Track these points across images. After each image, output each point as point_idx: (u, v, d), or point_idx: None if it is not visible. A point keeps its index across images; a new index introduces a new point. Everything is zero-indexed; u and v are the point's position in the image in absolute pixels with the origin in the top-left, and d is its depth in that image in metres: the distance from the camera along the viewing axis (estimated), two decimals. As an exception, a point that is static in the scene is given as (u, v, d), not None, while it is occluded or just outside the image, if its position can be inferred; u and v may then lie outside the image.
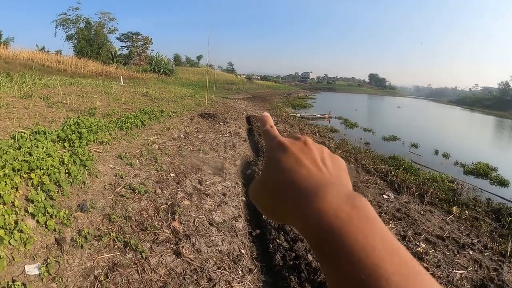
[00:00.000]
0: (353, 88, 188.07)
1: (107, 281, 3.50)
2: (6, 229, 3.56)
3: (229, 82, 71.10)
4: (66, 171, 5.14)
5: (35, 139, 5.82)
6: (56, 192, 4.60)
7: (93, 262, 3.76)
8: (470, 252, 5.67)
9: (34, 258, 3.52)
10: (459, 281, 4.75)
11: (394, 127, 25.97)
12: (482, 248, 5.93)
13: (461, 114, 78.49)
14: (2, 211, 3.68)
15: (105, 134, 7.42)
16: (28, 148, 5.23)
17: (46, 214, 4.09)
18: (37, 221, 3.94)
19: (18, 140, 5.53)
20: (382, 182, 9.37)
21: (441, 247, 5.65)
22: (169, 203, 5.45)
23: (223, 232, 4.99)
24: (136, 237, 4.33)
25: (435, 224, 6.68)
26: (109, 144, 7.18)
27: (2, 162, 4.37)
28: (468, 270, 5.06)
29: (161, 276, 3.77)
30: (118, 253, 4.00)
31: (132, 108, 12.08)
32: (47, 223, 3.96)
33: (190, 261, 4.13)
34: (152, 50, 67.75)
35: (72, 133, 6.48)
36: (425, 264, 4.96)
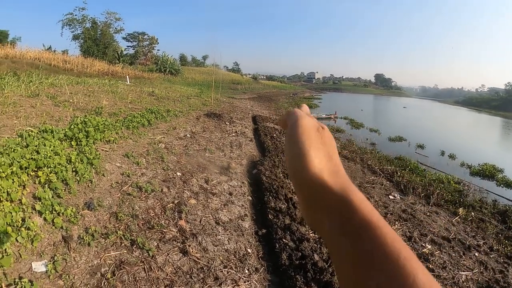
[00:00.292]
0: (359, 88, 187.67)
1: (114, 279, 3.51)
2: (14, 226, 3.58)
3: (235, 82, 71.11)
4: (73, 169, 5.16)
5: (43, 137, 5.84)
6: (63, 190, 4.62)
7: (100, 260, 3.77)
8: (476, 254, 5.65)
9: (41, 255, 3.54)
10: (465, 283, 4.74)
11: (400, 128, 25.87)
12: (488, 250, 5.91)
13: (467, 115, 78.02)
14: (9, 209, 3.70)
15: (111, 133, 7.45)
16: (36, 146, 5.25)
17: (53, 212, 4.11)
18: (44, 219, 3.96)
19: (25, 138, 5.56)
20: (388, 182, 9.34)
21: (447, 249, 5.63)
22: (176, 202, 5.46)
23: (229, 231, 4.99)
24: (143, 236, 4.34)
25: (441, 226, 6.65)
26: (116, 143, 7.20)
27: (10, 160, 4.40)
28: (474, 272, 5.04)
29: (167, 274, 3.78)
30: (125, 251, 4.01)
31: (139, 108, 12.11)
32: (54, 221, 3.98)
33: (196, 260, 4.13)
34: (158, 50, 67.96)
35: (79, 132, 6.50)
36: (430, 265, 4.95)
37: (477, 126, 50.59)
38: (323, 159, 0.54)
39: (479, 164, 14.81)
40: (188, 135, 10.26)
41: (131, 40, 66.86)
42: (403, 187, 8.93)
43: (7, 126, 6.24)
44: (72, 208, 4.34)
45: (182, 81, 48.13)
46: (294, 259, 4.49)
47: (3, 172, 4.05)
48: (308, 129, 0.57)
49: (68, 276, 3.39)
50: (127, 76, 29.50)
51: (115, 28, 53.76)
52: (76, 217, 4.25)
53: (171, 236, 4.51)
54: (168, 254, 4.12)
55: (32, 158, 4.68)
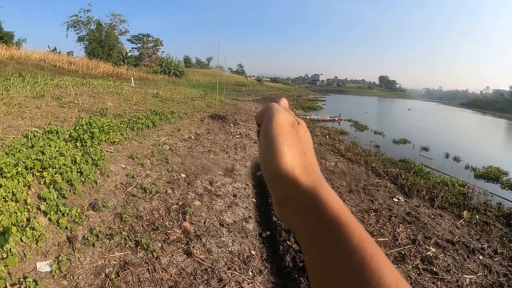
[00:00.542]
0: (363, 90, 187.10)
1: (118, 280, 3.52)
2: (19, 226, 3.61)
3: (239, 84, 71.15)
4: (78, 170, 5.18)
5: (48, 138, 5.88)
6: (68, 191, 4.64)
7: (105, 261, 3.78)
8: (480, 257, 5.62)
9: (45, 255, 3.55)
10: (469, 286, 4.72)
11: (404, 130, 25.80)
12: (492, 253, 5.88)
13: (472, 117, 77.72)
14: (14, 209, 3.73)
15: (116, 134, 7.47)
16: (41, 147, 5.29)
17: (58, 212, 4.13)
18: (49, 219, 3.98)
19: (31, 139, 5.60)
20: (392, 185, 9.31)
21: (451, 252, 5.61)
22: (180, 203, 5.47)
23: (233, 233, 4.99)
24: (147, 237, 4.36)
25: (445, 228, 6.62)
26: (120, 144, 7.23)
27: (15, 160, 4.43)
28: (478, 275, 5.02)
29: (171, 275, 3.78)
30: (129, 252, 4.02)
31: (143, 109, 12.15)
32: (59, 221, 4.00)
33: (200, 261, 4.14)
34: (162, 52, 68.22)
35: (84, 133, 6.53)
36: (435, 268, 4.93)
37: (482, 128, 50.41)
38: (297, 155, 0.53)
39: (483, 167, 14.71)
40: (192, 136, 10.28)
41: (136, 42, 67.25)
42: (408, 189, 8.90)
43: (12, 127, 6.27)
44: (77, 209, 4.36)
45: (187, 83, 48.21)
46: (298, 261, 4.49)
47: (8, 172, 4.08)
48: (282, 124, 0.55)
49: (73, 276, 3.41)
50: (132, 78, 29.59)
51: (120, 30, 54.17)
52: (81, 218, 4.27)
53: (175, 237, 4.52)
54: (172, 255, 4.13)
55: (37, 159, 4.71)
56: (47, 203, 4.14)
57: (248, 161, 8.90)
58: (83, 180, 5.08)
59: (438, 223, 6.81)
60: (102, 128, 7.15)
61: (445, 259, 5.31)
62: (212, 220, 5.21)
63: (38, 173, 4.60)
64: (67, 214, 4.19)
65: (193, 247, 4.35)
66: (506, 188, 12.45)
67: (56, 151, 5.27)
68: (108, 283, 3.46)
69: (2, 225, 3.44)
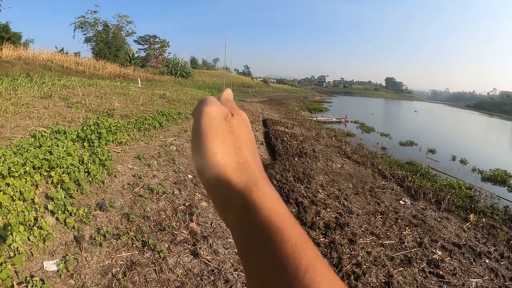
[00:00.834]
0: (370, 92, 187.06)
1: (125, 280, 3.52)
2: (26, 225, 3.62)
3: (246, 85, 71.33)
4: (86, 170, 5.20)
5: (55, 138, 5.90)
6: (76, 191, 4.66)
7: (112, 260, 3.80)
8: (487, 261, 5.58)
9: (52, 255, 3.57)
10: (475, 290, 4.70)
11: (411, 132, 25.75)
12: (499, 257, 5.83)
13: (479, 119, 77.37)
14: (22, 208, 3.74)
15: (123, 135, 7.49)
16: (49, 146, 5.31)
17: (66, 212, 4.14)
18: (57, 219, 3.99)
19: (38, 138, 5.62)
20: (398, 187, 9.27)
21: (457, 255, 5.58)
22: (187, 204, 5.48)
23: (239, 234, 4.99)
24: (154, 237, 4.36)
25: (452, 232, 6.59)
26: (127, 144, 7.24)
27: (23, 160, 4.45)
28: (484, 279, 4.98)
29: (178, 276, 3.79)
30: (136, 252, 4.03)
31: (150, 110, 12.18)
32: (67, 221, 4.02)
33: (207, 262, 4.14)
34: (169, 53, 68.50)
35: (92, 133, 6.55)
36: (441, 272, 4.91)
37: (488, 131, 50.16)
38: (230, 151, 0.49)
39: (490, 170, 14.65)
40: (198, 137, 10.26)
41: (143, 43, 67.62)
42: (414, 192, 8.85)
43: (20, 127, 6.31)
44: (84, 209, 4.37)
45: (193, 84, 48.37)
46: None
47: (16, 171, 4.10)
48: (212, 118, 0.50)
49: (79, 276, 3.42)
50: (139, 79, 29.75)
51: (127, 31, 54.40)
52: (88, 218, 4.28)
53: (182, 238, 4.52)
54: (179, 256, 4.14)
55: (45, 158, 4.73)
56: (54, 203, 4.16)
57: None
58: (91, 180, 5.10)
59: (445, 226, 6.78)
60: (109, 129, 7.17)
61: (451, 262, 5.29)
62: (219, 221, 5.21)
63: (46, 173, 4.62)
64: (75, 213, 4.20)
65: (200, 248, 4.35)
66: (513, 191, 12.37)
67: (64, 151, 5.29)
68: (115, 283, 3.47)
69: (10, 223, 3.46)
